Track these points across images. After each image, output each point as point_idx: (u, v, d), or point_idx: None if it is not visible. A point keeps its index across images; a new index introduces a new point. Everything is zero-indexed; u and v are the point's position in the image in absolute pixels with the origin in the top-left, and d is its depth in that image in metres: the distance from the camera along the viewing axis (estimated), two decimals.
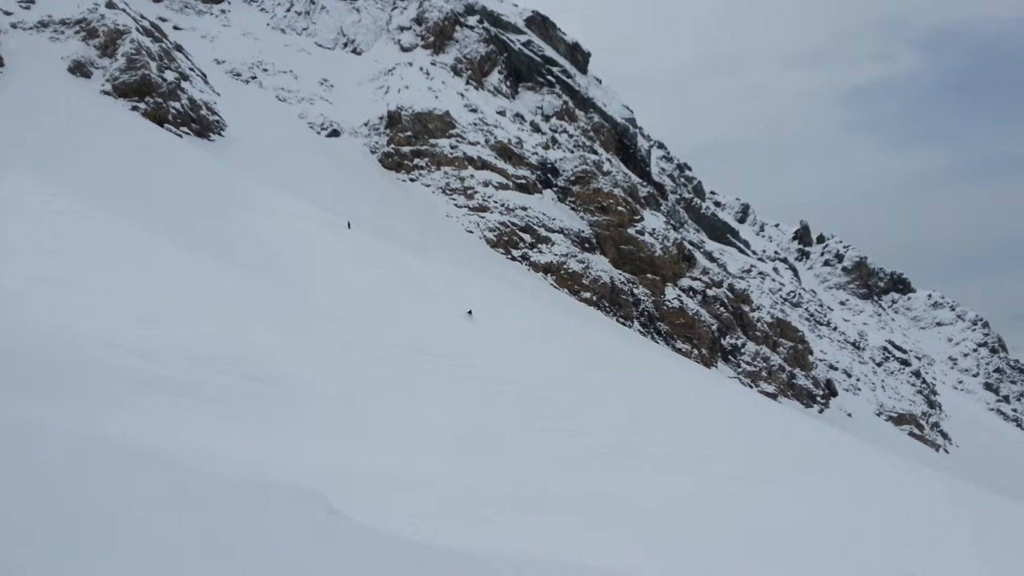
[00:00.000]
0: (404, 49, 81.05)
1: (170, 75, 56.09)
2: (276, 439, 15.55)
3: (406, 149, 69.87)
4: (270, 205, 40.97)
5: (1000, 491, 48.00)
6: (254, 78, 73.60)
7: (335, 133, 71.14)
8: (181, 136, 53.60)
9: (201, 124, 56.36)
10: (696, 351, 70.14)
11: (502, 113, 76.91)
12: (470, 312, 32.67)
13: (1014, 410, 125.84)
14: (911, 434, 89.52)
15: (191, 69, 60.80)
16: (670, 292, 71.67)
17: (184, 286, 23.60)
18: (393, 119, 71.00)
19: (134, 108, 52.90)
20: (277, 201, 42.50)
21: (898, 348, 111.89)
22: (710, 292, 76.51)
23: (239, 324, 21.80)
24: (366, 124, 72.49)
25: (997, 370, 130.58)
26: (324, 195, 52.32)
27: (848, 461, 35.23)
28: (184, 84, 56.89)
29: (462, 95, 75.40)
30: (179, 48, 61.57)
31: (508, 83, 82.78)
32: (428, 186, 68.11)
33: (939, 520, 27.20)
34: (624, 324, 64.58)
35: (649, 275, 70.90)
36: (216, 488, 7.54)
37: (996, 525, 28.93)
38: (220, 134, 57.64)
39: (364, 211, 53.15)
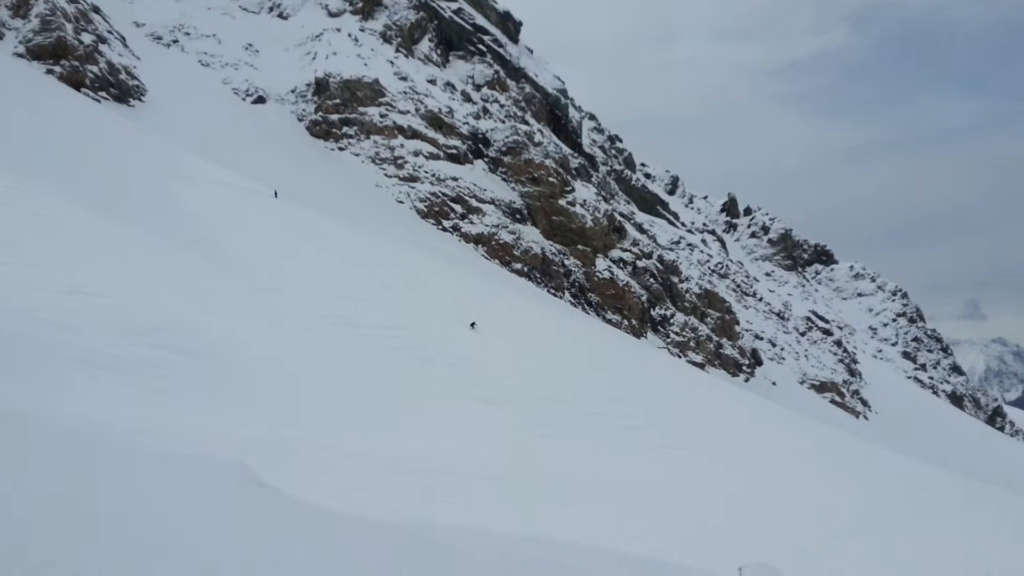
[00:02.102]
0: (332, 14, 79.44)
1: (87, 37, 54.04)
2: (205, 413, 15.35)
3: (334, 117, 68.77)
4: (194, 173, 39.99)
5: (917, 456, 50.06)
6: (176, 42, 71.35)
7: (261, 100, 69.58)
8: (100, 101, 51.81)
9: (120, 89, 54.53)
10: (626, 322, 71.13)
11: (432, 82, 76.18)
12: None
13: (931, 378, 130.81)
14: (832, 401, 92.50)
15: (109, 31, 58.62)
16: (601, 263, 72.37)
17: (108, 257, 22.98)
18: (321, 86, 69.74)
19: (49, 71, 50.88)
20: (201, 169, 41.51)
21: (821, 318, 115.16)
22: (640, 263, 77.50)
23: (166, 296, 21.35)
24: (293, 91, 71.04)
25: (915, 339, 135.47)
26: (250, 163, 51.25)
27: (771, 428, 36.32)
28: (102, 47, 54.88)
29: (392, 63, 74.38)
30: (96, 9, 59.23)
31: (439, 51, 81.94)
32: (357, 155, 67.24)
33: (858, 484, 28.29)
34: (555, 295, 65.09)
35: (580, 246, 71.44)
36: (143, 463, 7.43)
37: (913, 488, 30.20)
38: (140, 99, 55.87)
39: (292, 180, 52.28)
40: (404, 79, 72.88)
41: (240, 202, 37.77)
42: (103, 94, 52.93)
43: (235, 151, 53.58)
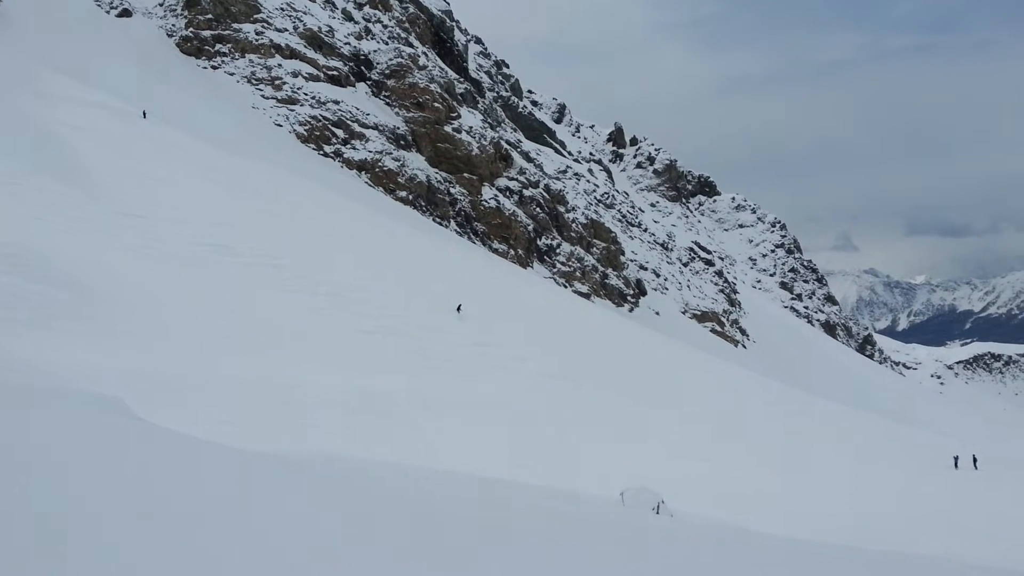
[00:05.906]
0: None
1: None
2: (67, 344, 14.40)
3: (207, 33, 65.07)
4: (54, 91, 37.26)
5: (791, 382, 52.50)
6: None
7: (126, 13, 65.10)
8: None
9: None
10: (512, 252, 71.21)
11: None
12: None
13: (806, 307, 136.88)
14: (713, 331, 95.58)
15: None
16: (487, 192, 71.90)
17: None
18: (191, 0, 65.77)
19: None
20: (61, 87, 38.70)
21: (703, 249, 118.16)
22: (527, 192, 77.39)
23: (19, 221, 19.83)
24: (161, 4, 66.75)
25: (792, 270, 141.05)
26: (115, 81, 48.11)
27: (655, 358, 37.24)
28: None
29: None
30: None
31: None
32: (232, 75, 63.98)
33: (735, 411, 29.36)
34: (440, 224, 64.41)
35: (466, 174, 70.65)
36: (7, 396, 6.79)
37: (785, 414, 31.61)
38: None
39: (161, 100, 49.41)
40: None
41: (105, 122, 35.47)
42: None
43: (99, 68, 50.17)
